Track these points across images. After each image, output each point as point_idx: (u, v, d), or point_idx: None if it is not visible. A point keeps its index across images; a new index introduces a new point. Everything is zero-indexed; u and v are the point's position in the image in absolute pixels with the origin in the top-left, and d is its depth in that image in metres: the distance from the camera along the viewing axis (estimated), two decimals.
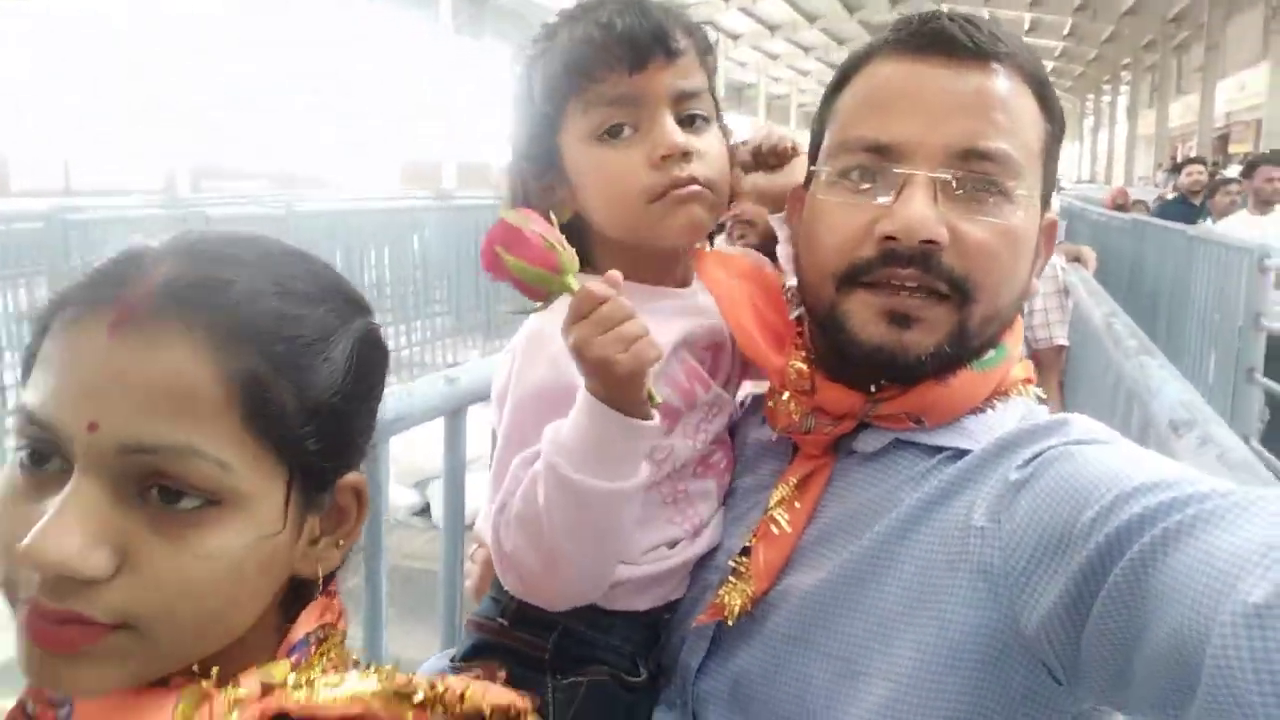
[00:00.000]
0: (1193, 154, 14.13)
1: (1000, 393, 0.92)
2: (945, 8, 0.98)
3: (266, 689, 0.58)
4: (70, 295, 0.58)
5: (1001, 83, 0.86)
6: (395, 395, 1.29)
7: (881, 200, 0.85)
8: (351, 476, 0.66)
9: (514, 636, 0.96)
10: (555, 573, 0.86)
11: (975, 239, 0.84)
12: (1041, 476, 0.77)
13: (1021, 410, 0.91)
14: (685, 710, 0.94)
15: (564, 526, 0.82)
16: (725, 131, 0.98)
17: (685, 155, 0.90)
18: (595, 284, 0.77)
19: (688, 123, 0.92)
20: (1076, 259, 4.05)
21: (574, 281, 0.78)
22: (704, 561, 0.98)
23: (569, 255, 0.79)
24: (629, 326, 0.76)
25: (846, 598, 0.85)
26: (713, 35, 0.97)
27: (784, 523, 0.91)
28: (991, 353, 0.90)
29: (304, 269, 0.63)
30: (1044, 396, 0.96)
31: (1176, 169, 8.53)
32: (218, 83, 11.89)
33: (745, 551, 0.92)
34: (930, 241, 0.82)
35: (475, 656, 0.97)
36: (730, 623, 0.90)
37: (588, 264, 0.92)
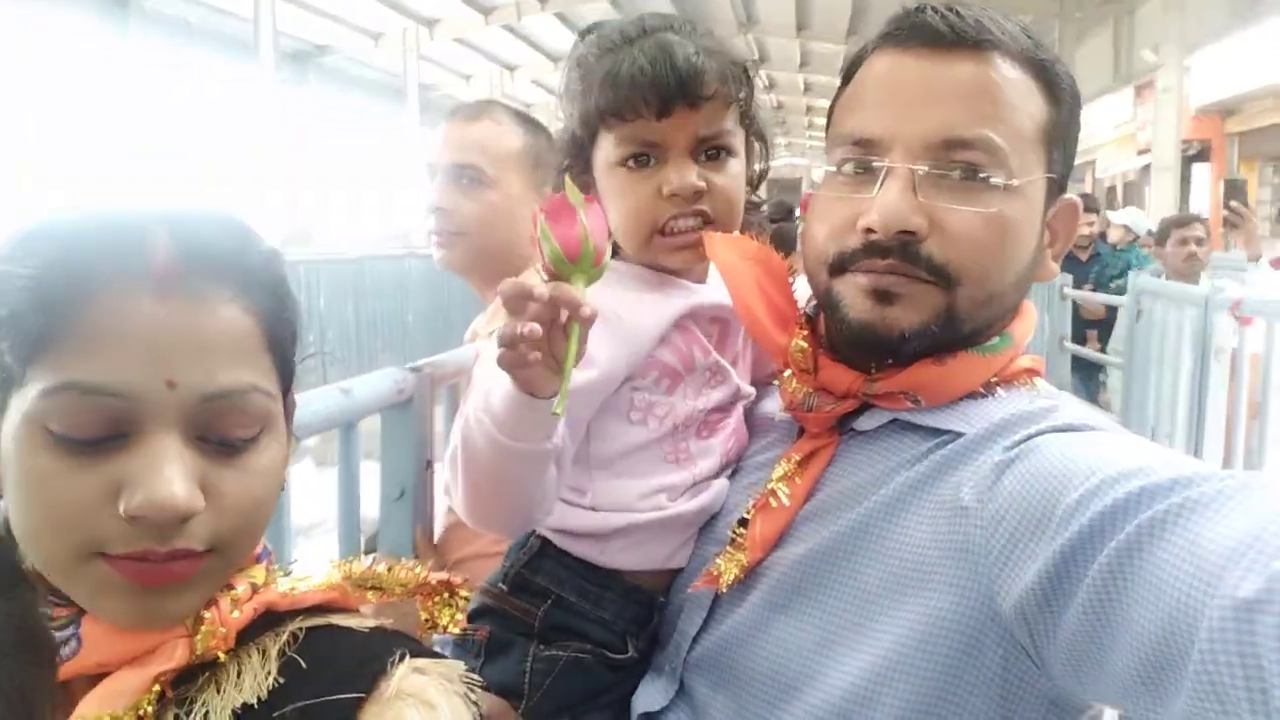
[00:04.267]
0: None
1: (1004, 380, 0.91)
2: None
3: (254, 589, 0.67)
4: (83, 275, 0.58)
5: (988, 70, 0.85)
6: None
7: (865, 194, 0.86)
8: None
9: (510, 602, 0.98)
10: (480, 501, 0.92)
11: (957, 227, 0.84)
12: (1027, 458, 0.78)
13: (1024, 400, 0.89)
14: (673, 676, 0.94)
15: (488, 469, 0.88)
16: (754, 157, 1.05)
17: (696, 194, 0.96)
18: (527, 318, 0.75)
19: (711, 156, 0.98)
20: None
21: (580, 281, 0.78)
22: (706, 534, 1.00)
23: (591, 257, 0.78)
24: (533, 351, 0.76)
25: (830, 570, 0.85)
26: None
27: (784, 496, 0.92)
28: (996, 339, 0.91)
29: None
30: (1052, 389, 0.95)
31: None
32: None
33: (744, 523, 0.93)
34: (907, 232, 0.83)
35: (474, 620, 0.99)
36: (723, 590, 0.90)
37: (616, 257, 0.99)
